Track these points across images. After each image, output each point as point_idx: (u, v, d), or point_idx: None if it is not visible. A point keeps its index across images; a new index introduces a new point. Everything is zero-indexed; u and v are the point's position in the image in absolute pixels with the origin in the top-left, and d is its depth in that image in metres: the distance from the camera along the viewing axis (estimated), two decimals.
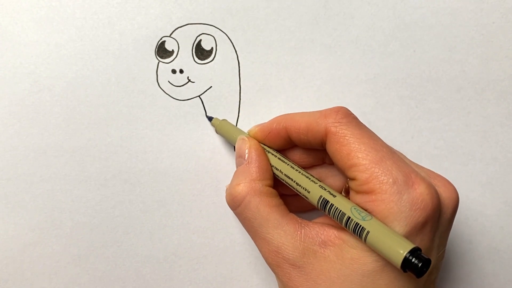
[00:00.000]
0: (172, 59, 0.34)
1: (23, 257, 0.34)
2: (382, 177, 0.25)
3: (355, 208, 0.26)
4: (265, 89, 0.35)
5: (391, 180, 0.25)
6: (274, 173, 0.30)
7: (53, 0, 0.34)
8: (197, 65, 0.34)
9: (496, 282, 0.37)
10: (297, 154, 0.31)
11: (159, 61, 0.34)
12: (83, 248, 0.35)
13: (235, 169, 0.31)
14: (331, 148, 0.27)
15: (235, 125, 0.35)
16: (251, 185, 0.28)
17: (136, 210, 0.35)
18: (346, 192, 0.30)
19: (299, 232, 0.27)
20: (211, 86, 0.35)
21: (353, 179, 0.26)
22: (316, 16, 0.35)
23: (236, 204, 0.29)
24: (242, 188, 0.28)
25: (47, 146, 0.34)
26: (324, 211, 0.27)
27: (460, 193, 0.36)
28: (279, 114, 0.31)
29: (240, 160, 0.31)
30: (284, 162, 0.30)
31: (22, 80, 0.34)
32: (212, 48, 0.34)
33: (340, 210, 0.26)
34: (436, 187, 0.27)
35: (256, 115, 0.35)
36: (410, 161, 0.29)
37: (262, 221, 0.28)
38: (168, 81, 0.34)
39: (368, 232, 0.24)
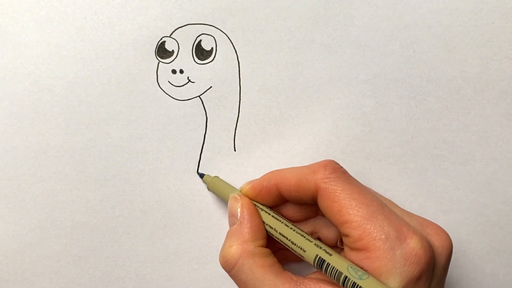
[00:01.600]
0: (172, 59, 0.34)
1: (23, 257, 0.34)
2: (375, 234, 0.25)
3: (351, 267, 0.26)
4: (265, 89, 0.35)
5: (383, 236, 0.25)
6: (268, 232, 0.30)
7: (53, 0, 0.34)
8: (197, 65, 0.34)
9: (496, 282, 0.37)
10: (290, 209, 0.31)
11: (159, 61, 0.34)
12: (83, 248, 0.35)
13: (228, 228, 0.31)
14: (323, 204, 0.27)
15: (234, 128, 0.35)
16: (243, 247, 0.28)
17: (136, 210, 0.35)
18: (341, 242, 0.30)
19: None
20: (211, 86, 0.35)
21: (346, 235, 0.26)
22: (316, 16, 0.35)
23: (229, 267, 0.29)
24: (234, 250, 0.28)
25: (47, 146, 0.34)
26: (321, 270, 0.27)
27: (459, 193, 0.36)
28: (269, 171, 0.31)
29: (232, 219, 0.31)
30: (278, 220, 0.30)
31: (22, 80, 0.34)
32: (212, 48, 0.34)
33: (337, 270, 0.26)
34: (429, 236, 0.27)
35: (256, 115, 0.35)
36: (402, 210, 0.29)
37: (256, 282, 0.27)
38: (168, 81, 0.34)
39: None
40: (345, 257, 0.27)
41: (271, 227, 0.30)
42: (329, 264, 0.27)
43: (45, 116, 0.34)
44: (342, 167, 0.28)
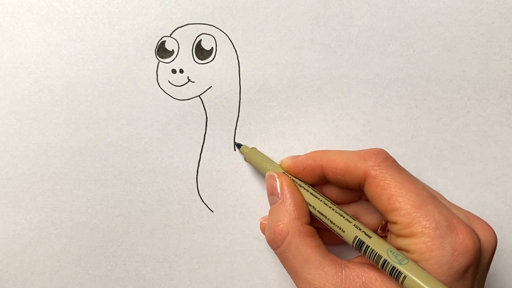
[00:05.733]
0: (172, 59, 0.34)
1: (24, 256, 0.34)
2: (424, 222, 0.25)
3: (391, 251, 0.26)
4: (265, 89, 0.35)
5: (433, 224, 0.25)
6: None
7: (53, 0, 0.34)
8: (197, 65, 0.34)
9: (496, 282, 0.37)
10: (332, 192, 0.31)
11: (159, 61, 0.34)
12: (83, 247, 0.35)
13: (267, 203, 0.31)
14: (371, 191, 0.27)
15: (234, 128, 0.35)
16: (290, 225, 0.28)
17: (136, 210, 0.35)
18: (382, 229, 0.30)
19: (340, 273, 0.27)
20: (211, 86, 0.35)
21: (394, 223, 0.26)
22: (316, 16, 0.35)
23: (277, 244, 0.29)
24: (282, 228, 0.28)
25: (47, 146, 0.34)
26: (360, 251, 0.27)
27: (459, 193, 0.36)
28: (314, 150, 0.31)
29: (273, 198, 0.30)
30: (317, 198, 0.30)
31: (22, 80, 0.34)
32: (212, 48, 0.34)
33: (376, 252, 0.26)
34: (476, 230, 0.27)
35: (256, 115, 0.35)
36: (449, 203, 0.29)
37: (303, 261, 0.28)
38: (168, 81, 0.34)
39: (405, 276, 0.24)
40: (390, 243, 0.27)
41: (309, 204, 0.30)
42: (368, 246, 0.26)
43: (45, 116, 0.34)
44: (392, 157, 0.28)
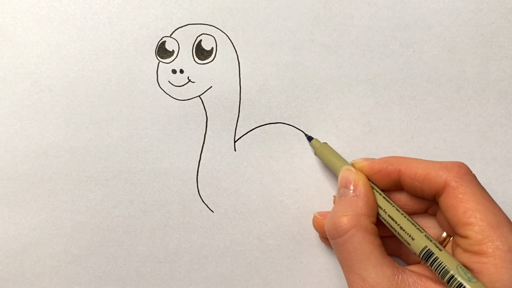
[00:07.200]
0: (172, 59, 0.34)
1: (24, 257, 0.34)
2: (498, 242, 0.25)
3: (461, 267, 0.26)
4: (265, 89, 0.35)
5: (506, 247, 0.25)
6: (377, 212, 0.30)
7: (53, 0, 0.34)
8: (197, 65, 0.34)
9: None
10: (402, 199, 0.31)
11: (160, 61, 0.34)
12: (83, 248, 0.35)
13: (335, 196, 0.31)
14: (447, 202, 0.27)
15: (234, 128, 0.35)
16: (358, 219, 0.28)
17: (137, 210, 0.35)
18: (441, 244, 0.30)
19: (396, 277, 0.27)
20: (211, 86, 0.35)
21: (464, 237, 0.26)
22: (316, 16, 0.35)
23: (338, 234, 0.29)
24: (348, 220, 0.28)
25: (47, 146, 0.34)
26: (426, 262, 0.27)
27: None
28: (390, 155, 0.31)
29: (345, 190, 0.30)
30: (389, 202, 0.30)
31: (22, 80, 0.34)
32: (212, 48, 0.34)
33: (445, 266, 0.26)
34: None
35: (256, 115, 0.35)
36: None
37: (363, 256, 0.27)
38: (168, 81, 0.34)
39: None
40: (454, 256, 0.27)
41: (380, 207, 0.30)
42: (437, 258, 0.26)
43: (45, 116, 0.34)
44: (473, 173, 0.28)
